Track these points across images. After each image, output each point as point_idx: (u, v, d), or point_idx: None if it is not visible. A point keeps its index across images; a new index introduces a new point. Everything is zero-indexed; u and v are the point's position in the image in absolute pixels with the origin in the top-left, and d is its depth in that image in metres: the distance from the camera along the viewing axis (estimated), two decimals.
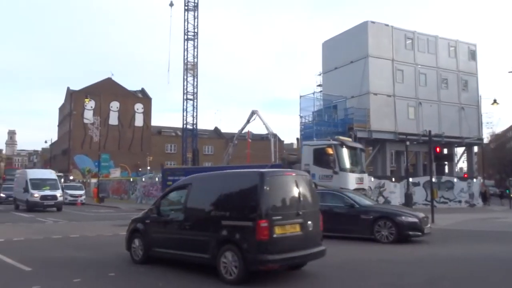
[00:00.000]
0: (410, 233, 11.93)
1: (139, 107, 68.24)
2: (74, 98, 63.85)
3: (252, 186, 6.94)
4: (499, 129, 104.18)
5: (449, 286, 6.89)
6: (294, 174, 7.81)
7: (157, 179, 35.64)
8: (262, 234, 6.52)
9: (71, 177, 56.04)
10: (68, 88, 71.08)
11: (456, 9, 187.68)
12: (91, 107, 59.74)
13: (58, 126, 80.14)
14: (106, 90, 61.39)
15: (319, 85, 48.70)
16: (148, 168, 57.34)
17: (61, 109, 77.81)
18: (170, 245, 7.93)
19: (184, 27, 44.47)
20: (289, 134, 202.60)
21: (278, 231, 6.73)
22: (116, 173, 53.05)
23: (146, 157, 60.98)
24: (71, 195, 33.39)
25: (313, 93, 37.02)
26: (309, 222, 7.25)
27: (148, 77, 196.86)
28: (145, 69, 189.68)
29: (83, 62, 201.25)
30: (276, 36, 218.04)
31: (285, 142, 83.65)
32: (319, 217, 7.63)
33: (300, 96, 36.73)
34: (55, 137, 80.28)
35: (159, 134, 71.74)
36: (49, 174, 28.36)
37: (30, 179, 26.70)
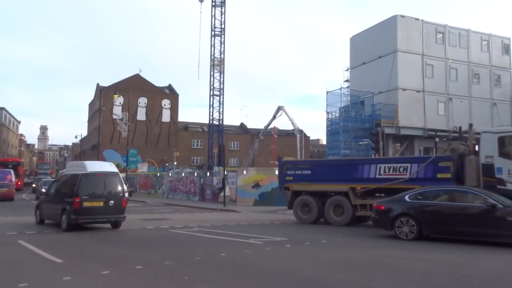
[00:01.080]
0: None
1: (166, 103, 69.12)
2: (103, 94, 65.22)
3: (77, 180, 13.41)
4: None
5: None
6: (103, 175, 13.95)
7: (183, 173, 36.09)
8: (75, 205, 12.90)
9: None
10: (97, 85, 72.67)
11: (490, 2, 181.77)
12: (120, 103, 60.90)
13: (88, 121, 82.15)
14: (134, 86, 62.44)
15: (346, 81, 48.08)
16: (175, 163, 58.10)
17: (91, 105, 79.69)
18: (48, 213, 14.80)
19: (211, 23, 44.74)
20: (316, 130, 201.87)
21: (86, 204, 13.02)
22: (143, 168, 53.99)
23: (173, 152, 61.78)
24: None
25: (340, 89, 36.65)
26: (111, 201, 13.43)
27: (176, 73, 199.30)
28: (172, 65, 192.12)
29: (113, 59, 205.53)
30: (303, 31, 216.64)
31: (311, 138, 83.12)
32: (121, 199, 13.79)
33: (327, 92, 36.41)
34: (85, 132, 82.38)
35: (185, 129, 72.48)
36: (110, 166, 23.50)
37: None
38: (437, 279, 6.91)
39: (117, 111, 59.87)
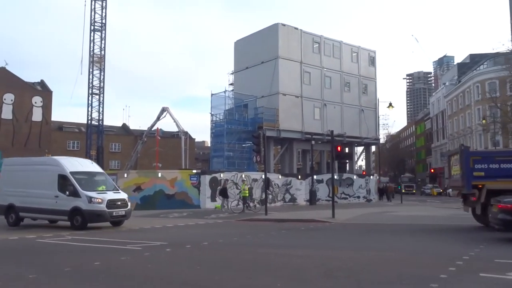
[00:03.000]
0: None
1: (37, 100, 62.94)
2: None
3: None
4: (393, 130, 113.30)
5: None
6: None
7: None
8: None
9: None
10: None
11: (359, 16, 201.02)
12: None
13: None
14: None
15: (231, 84, 49.04)
16: None
17: None
18: None
19: (91, 17, 41.97)
20: (201, 132, 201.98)
21: None
22: None
23: (45, 154, 56.54)
24: None
25: (225, 92, 37.26)
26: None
27: (49, 69, 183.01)
28: (45, 60, 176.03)
29: None
30: (189, 33, 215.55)
31: (196, 140, 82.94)
32: None
33: (212, 94, 36.76)
34: None
35: (60, 130, 66.94)
36: (91, 164, 18.11)
37: (72, 174, 15.81)
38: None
39: None
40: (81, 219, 14.97)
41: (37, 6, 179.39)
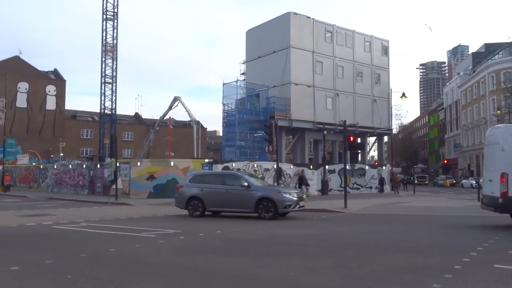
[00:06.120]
0: None
1: (51, 89, 63.70)
2: None
3: None
4: (406, 120, 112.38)
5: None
6: None
7: (70, 165, 33.70)
8: None
9: None
10: None
11: (372, 5, 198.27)
12: None
13: None
14: (13, 69, 56.52)
15: (242, 74, 48.96)
16: (61, 154, 54.03)
17: None
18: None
19: (103, 6, 42.18)
20: (212, 121, 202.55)
21: None
22: (24, 160, 49.20)
23: (59, 142, 57.31)
24: None
25: (236, 81, 37.25)
26: None
27: (63, 58, 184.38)
28: (59, 49, 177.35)
29: None
30: (201, 22, 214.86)
31: (208, 130, 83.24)
32: None
33: (224, 84, 36.73)
34: None
35: (74, 118, 67.72)
36: None
37: None
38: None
39: None
40: None
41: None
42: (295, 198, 14.80)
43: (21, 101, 60.66)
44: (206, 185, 15.54)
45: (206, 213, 15.61)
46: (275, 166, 25.27)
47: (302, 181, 25.22)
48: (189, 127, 52.68)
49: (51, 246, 9.34)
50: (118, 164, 26.10)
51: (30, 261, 7.56)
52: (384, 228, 12.54)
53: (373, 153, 56.22)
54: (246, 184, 14.86)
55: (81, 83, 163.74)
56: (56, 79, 66.68)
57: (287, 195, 14.80)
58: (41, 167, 38.20)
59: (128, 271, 6.83)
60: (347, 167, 25.62)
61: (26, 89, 61.23)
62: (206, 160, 30.00)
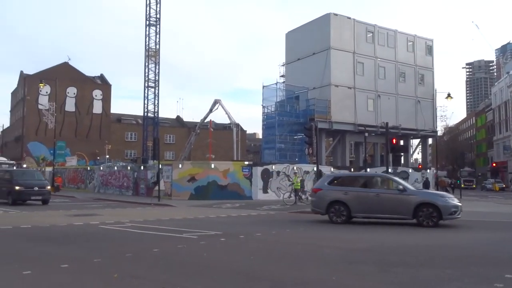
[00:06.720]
0: None
1: (97, 93, 66.17)
2: (28, 83, 61.08)
3: None
4: (452, 122, 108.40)
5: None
6: None
7: (116, 167, 34.84)
8: None
9: (25, 165, 53.79)
10: (21, 72, 67.88)
11: (415, 3, 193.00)
12: (46, 92, 57.42)
13: (11, 111, 76.57)
14: (63, 75, 59.06)
15: (282, 76, 48.93)
16: (107, 156, 55.93)
17: (13, 94, 74.28)
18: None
19: (146, 12, 43.35)
20: (252, 124, 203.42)
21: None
22: (72, 162, 51.38)
23: (105, 145, 59.37)
24: None
25: (276, 83, 37.29)
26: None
27: (108, 63, 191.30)
28: (105, 54, 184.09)
29: (38, 46, 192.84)
30: (240, 25, 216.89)
31: (247, 132, 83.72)
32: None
33: (263, 86, 36.83)
34: (7, 123, 76.72)
35: (118, 122, 69.95)
36: None
37: None
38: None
39: (43, 101, 56.44)
40: None
41: (96, 4, 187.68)
42: (460, 204, 13.54)
43: (70, 105, 63.36)
44: (350, 188, 14.22)
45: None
46: (315, 169, 25.05)
47: None
48: (229, 130, 53.16)
49: (98, 245, 9.68)
50: (160, 166, 26.73)
51: (79, 259, 7.86)
52: (429, 233, 12.09)
53: (417, 155, 54.54)
54: (401, 187, 13.58)
55: (125, 87, 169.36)
56: (102, 83, 69.21)
57: (451, 200, 13.52)
58: (88, 168, 39.72)
59: (171, 271, 6.97)
60: (389, 170, 25.02)
61: (74, 93, 63.92)
62: (246, 163, 30.16)
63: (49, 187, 23.79)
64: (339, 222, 13.83)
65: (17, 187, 21.83)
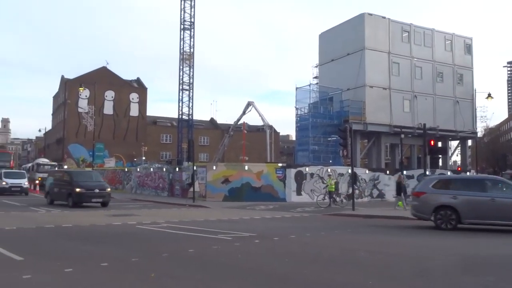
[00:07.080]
0: None
1: (134, 96, 67.87)
2: (68, 87, 63.42)
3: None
4: (492, 123, 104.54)
5: None
6: None
7: (152, 169, 35.59)
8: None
9: (65, 167, 55.85)
10: (62, 77, 70.56)
11: (453, 2, 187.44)
12: (86, 96, 59.37)
13: (52, 115, 79.69)
14: (101, 79, 60.99)
15: (315, 77, 48.58)
16: (143, 158, 57.23)
17: (55, 97, 77.29)
18: None
19: (181, 16, 44.15)
20: (285, 125, 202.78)
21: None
22: (110, 163, 52.88)
23: (141, 147, 60.80)
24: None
25: (309, 85, 37.05)
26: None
27: (144, 67, 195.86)
28: (141, 58, 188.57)
29: (78, 51, 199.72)
30: (273, 27, 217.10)
31: (281, 134, 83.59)
32: None
33: (296, 88, 36.70)
34: (49, 126, 79.90)
35: (154, 124, 71.46)
36: None
37: None
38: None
39: (83, 104, 58.36)
40: None
41: (132, 10, 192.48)
42: None
43: (108, 109, 65.28)
44: (459, 191, 13.22)
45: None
46: (349, 171, 24.73)
47: (401, 188, 21.61)
48: (262, 132, 53.24)
49: (136, 245, 9.93)
50: (195, 168, 27.11)
51: (118, 258, 8.10)
52: (470, 239, 11.68)
53: (456, 157, 52.85)
54: None
55: (161, 90, 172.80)
56: (139, 87, 70.93)
57: None
58: (126, 170, 40.76)
59: (206, 272, 7.07)
60: (427, 172, 24.37)
61: (112, 97, 65.82)
62: (280, 164, 30.14)
63: (109, 189, 22.43)
64: (448, 229, 12.94)
65: (77, 189, 20.64)
